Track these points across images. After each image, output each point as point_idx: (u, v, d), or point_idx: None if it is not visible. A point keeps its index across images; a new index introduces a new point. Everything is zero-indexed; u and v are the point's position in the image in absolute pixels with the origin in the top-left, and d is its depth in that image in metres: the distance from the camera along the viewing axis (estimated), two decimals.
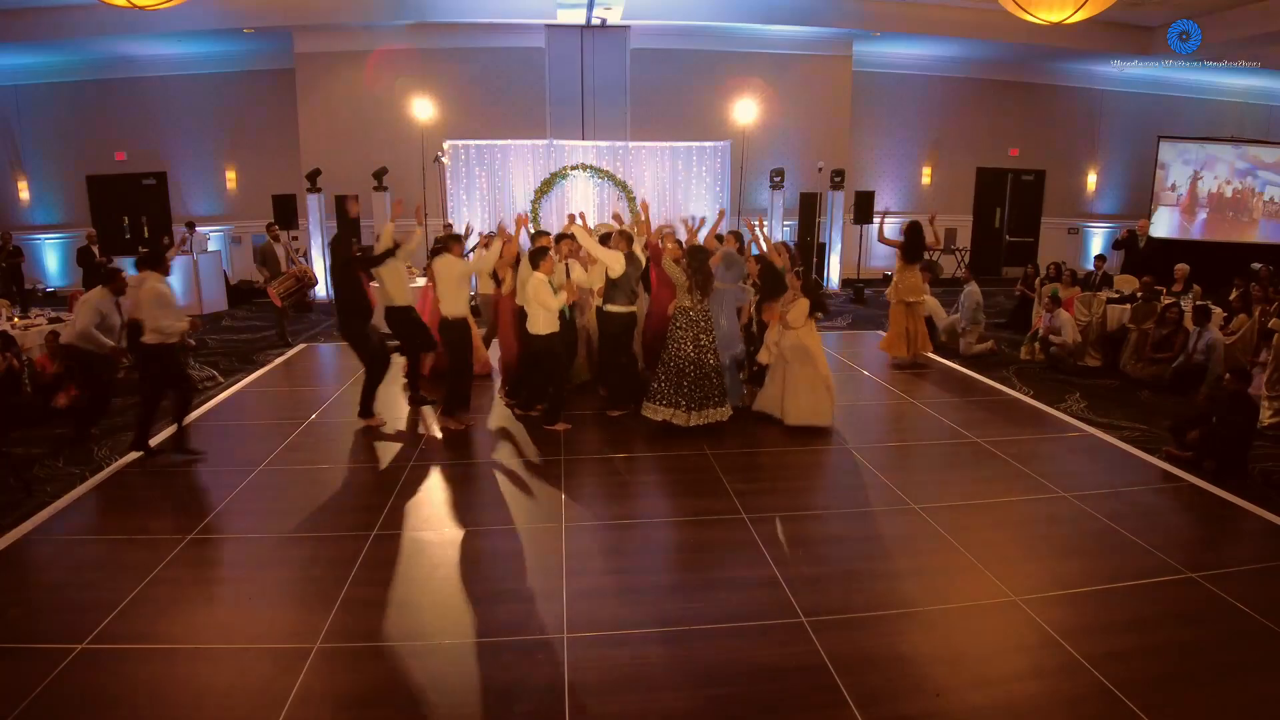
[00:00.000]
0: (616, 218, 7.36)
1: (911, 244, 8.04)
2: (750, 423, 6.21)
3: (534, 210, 11.22)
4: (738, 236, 7.03)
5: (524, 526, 4.49)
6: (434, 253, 6.31)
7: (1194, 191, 13.78)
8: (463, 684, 3.11)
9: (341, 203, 6.33)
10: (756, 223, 7.14)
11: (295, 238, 11.65)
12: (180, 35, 11.24)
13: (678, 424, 5.79)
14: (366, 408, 6.27)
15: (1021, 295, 10.44)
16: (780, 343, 6.08)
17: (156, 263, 5.53)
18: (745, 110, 11.81)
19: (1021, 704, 3.00)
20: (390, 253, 6.15)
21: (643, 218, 7.04)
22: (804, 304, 6.01)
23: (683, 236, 6.85)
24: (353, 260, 6.13)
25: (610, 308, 6.28)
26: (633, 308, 6.36)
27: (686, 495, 4.98)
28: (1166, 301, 8.15)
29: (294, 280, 8.86)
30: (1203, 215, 13.95)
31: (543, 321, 5.84)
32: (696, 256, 5.81)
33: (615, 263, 6.12)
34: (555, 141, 11.57)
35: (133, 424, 6.18)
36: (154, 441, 5.79)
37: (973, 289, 8.76)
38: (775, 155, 12.55)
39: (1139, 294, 8.36)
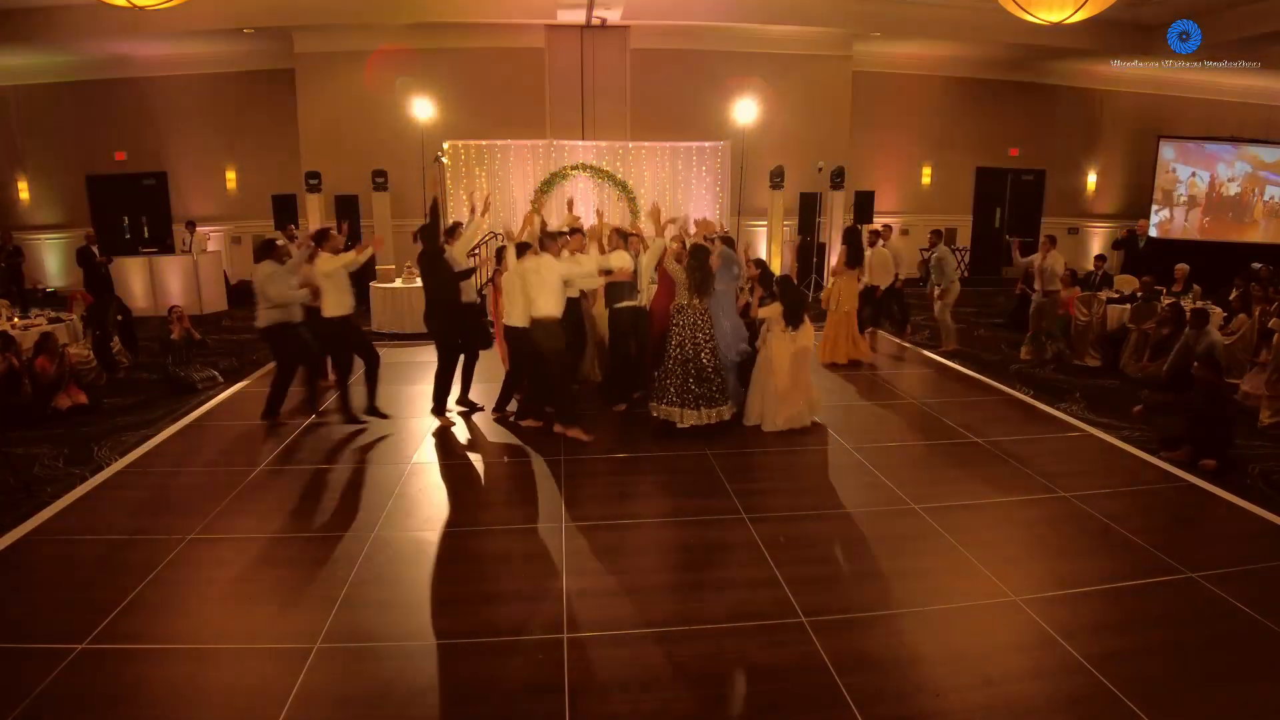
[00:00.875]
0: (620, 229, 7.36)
1: (853, 249, 8.23)
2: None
3: (535, 209, 11.21)
4: (729, 241, 7.04)
5: (524, 526, 4.49)
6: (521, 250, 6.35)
7: (1210, 190, 13.79)
8: (463, 684, 3.11)
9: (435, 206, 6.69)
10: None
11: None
12: (180, 35, 11.23)
13: (675, 422, 5.81)
14: (441, 404, 6.44)
15: (1021, 294, 10.44)
16: (771, 345, 6.06)
17: (322, 240, 6.16)
18: (745, 110, 11.81)
19: (1021, 704, 3.00)
20: (473, 271, 6.73)
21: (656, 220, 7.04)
22: (778, 305, 6.05)
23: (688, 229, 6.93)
24: (441, 258, 6.25)
25: (616, 305, 6.39)
26: (634, 301, 6.43)
27: (686, 495, 4.98)
28: (1166, 302, 8.15)
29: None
30: (1201, 215, 13.96)
31: (519, 312, 5.81)
32: (697, 256, 5.81)
33: (626, 265, 6.20)
34: (555, 141, 11.57)
35: (134, 425, 6.23)
36: (155, 442, 5.82)
37: (941, 250, 8.81)
38: (775, 155, 12.54)
39: (1139, 294, 8.37)
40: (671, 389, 5.83)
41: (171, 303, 9.32)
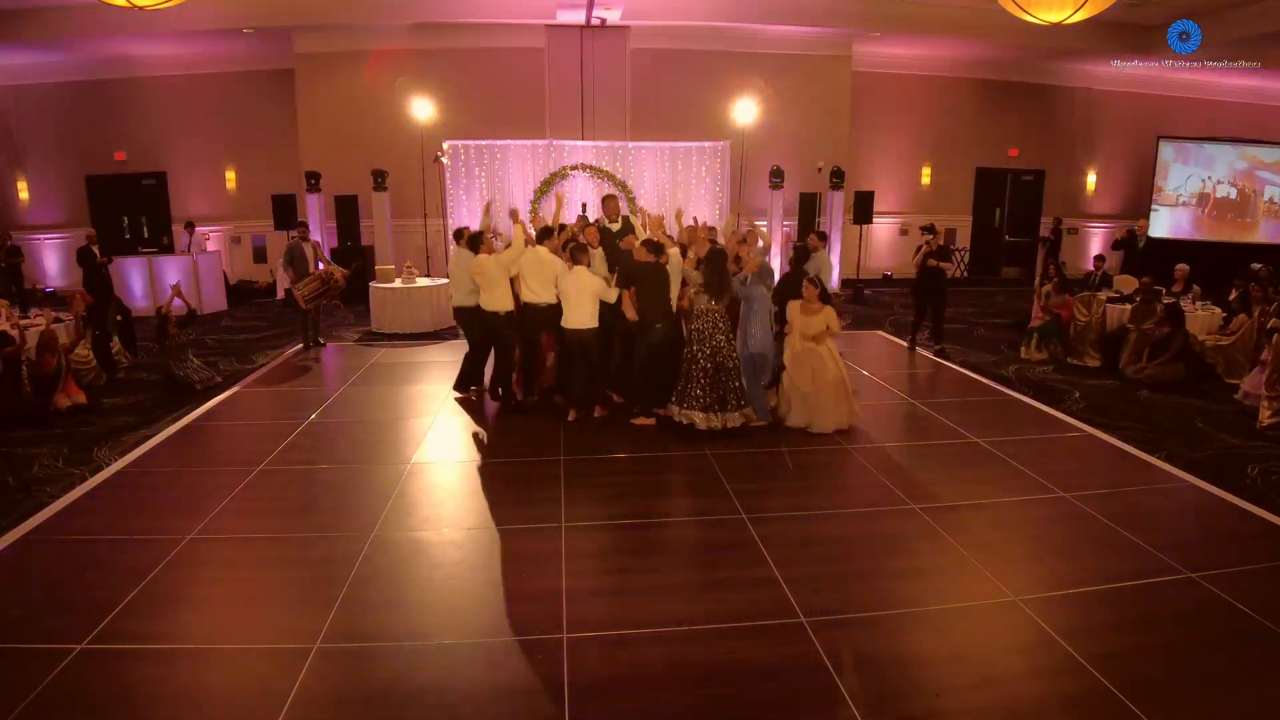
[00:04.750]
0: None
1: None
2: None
3: (533, 210, 11.20)
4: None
5: (524, 526, 4.49)
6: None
7: (1210, 190, 13.80)
8: (463, 684, 3.11)
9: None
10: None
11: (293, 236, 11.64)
12: (180, 35, 11.23)
13: (700, 426, 5.80)
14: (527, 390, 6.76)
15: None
16: (799, 351, 6.03)
17: (476, 243, 6.57)
18: (745, 110, 11.81)
19: (1021, 704, 3.00)
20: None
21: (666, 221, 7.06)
22: (830, 314, 6.00)
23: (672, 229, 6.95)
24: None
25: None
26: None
27: (686, 495, 4.98)
28: (1166, 302, 8.15)
29: (319, 282, 8.70)
30: (1203, 215, 13.96)
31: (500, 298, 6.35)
32: (713, 261, 5.83)
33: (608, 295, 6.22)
34: (555, 141, 11.57)
35: (134, 425, 6.23)
36: (155, 442, 5.82)
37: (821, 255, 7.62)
38: (775, 155, 12.55)
39: (1139, 294, 8.36)
40: (696, 392, 5.83)
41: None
